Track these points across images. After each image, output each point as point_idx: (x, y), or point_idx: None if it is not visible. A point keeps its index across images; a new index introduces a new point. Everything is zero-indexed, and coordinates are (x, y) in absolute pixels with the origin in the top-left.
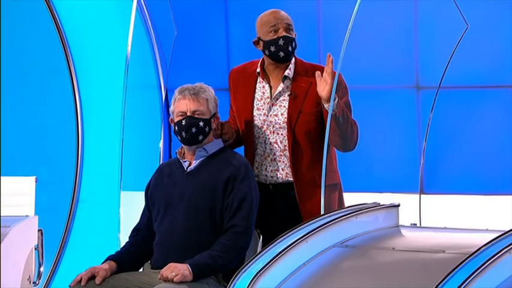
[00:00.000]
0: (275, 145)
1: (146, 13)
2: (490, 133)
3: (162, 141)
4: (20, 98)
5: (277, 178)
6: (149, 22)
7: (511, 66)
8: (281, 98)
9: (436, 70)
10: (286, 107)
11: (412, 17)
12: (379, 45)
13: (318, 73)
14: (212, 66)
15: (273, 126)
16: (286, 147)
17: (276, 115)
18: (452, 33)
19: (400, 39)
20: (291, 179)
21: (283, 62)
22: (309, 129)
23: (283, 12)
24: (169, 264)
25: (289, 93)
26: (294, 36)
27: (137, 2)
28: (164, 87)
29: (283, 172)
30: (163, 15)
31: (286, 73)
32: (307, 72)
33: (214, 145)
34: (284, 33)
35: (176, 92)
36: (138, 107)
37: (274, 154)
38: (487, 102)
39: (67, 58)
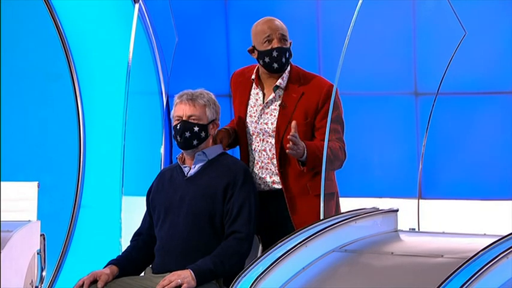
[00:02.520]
0: (263, 153)
1: (147, 20)
2: (488, 139)
3: (163, 146)
4: (22, 103)
5: (265, 185)
6: (150, 29)
7: (508, 73)
8: (272, 107)
9: (434, 76)
10: (276, 116)
11: (411, 23)
12: (378, 51)
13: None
14: (212, 72)
15: (263, 134)
16: (274, 156)
17: (266, 123)
18: (450, 40)
19: (399, 46)
20: (278, 186)
21: (277, 72)
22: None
23: (277, 22)
24: (173, 272)
25: (280, 102)
26: (288, 45)
27: (139, 9)
28: (165, 93)
29: (270, 180)
30: (164, 22)
31: (278, 83)
32: (300, 82)
33: (214, 150)
34: (278, 45)
35: (176, 97)
36: (140, 113)
37: (263, 162)
38: (485, 108)
39: (69, 64)
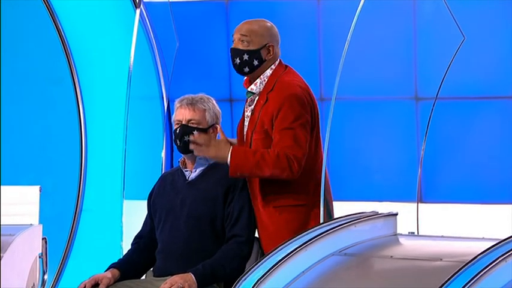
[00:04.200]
0: None
1: (148, 25)
2: (487, 143)
3: (164, 150)
4: (24, 108)
5: None
6: (151, 34)
7: (507, 77)
8: (250, 112)
9: (434, 81)
10: (248, 121)
11: (411, 28)
12: (379, 56)
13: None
14: (213, 77)
15: (246, 138)
16: None
17: (246, 127)
18: (451, 45)
19: (399, 51)
20: None
21: (239, 73)
22: (260, 148)
23: (247, 23)
24: (174, 276)
25: (252, 107)
26: (251, 48)
27: (140, 14)
28: (166, 98)
29: None
30: (165, 26)
31: (249, 88)
32: (272, 88)
33: None
34: (232, 46)
35: (176, 101)
36: (141, 117)
37: None
38: (485, 113)
39: (71, 69)
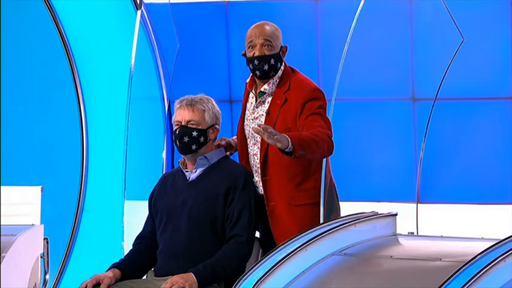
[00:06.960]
0: (255, 157)
1: (149, 26)
2: (484, 143)
3: (164, 151)
4: (26, 109)
5: (259, 189)
6: (152, 35)
7: (505, 78)
8: (260, 112)
9: (431, 82)
10: (262, 122)
11: (409, 30)
12: (376, 58)
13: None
14: (213, 78)
15: (254, 139)
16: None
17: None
18: (447, 46)
19: (397, 52)
20: None
21: (263, 79)
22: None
23: (265, 27)
24: (175, 276)
25: (266, 108)
26: (274, 52)
27: (141, 16)
28: (167, 99)
29: (260, 185)
30: (166, 28)
31: (262, 88)
32: (288, 88)
33: (215, 154)
34: (258, 53)
35: (176, 102)
36: (142, 118)
37: (256, 166)
38: (482, 114)
39: (72, 70)
